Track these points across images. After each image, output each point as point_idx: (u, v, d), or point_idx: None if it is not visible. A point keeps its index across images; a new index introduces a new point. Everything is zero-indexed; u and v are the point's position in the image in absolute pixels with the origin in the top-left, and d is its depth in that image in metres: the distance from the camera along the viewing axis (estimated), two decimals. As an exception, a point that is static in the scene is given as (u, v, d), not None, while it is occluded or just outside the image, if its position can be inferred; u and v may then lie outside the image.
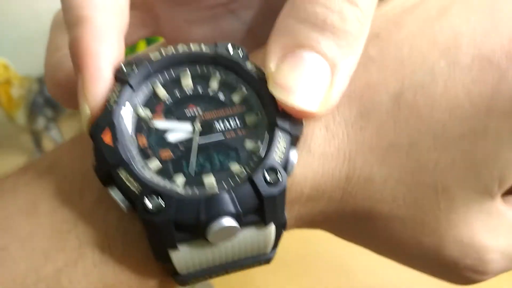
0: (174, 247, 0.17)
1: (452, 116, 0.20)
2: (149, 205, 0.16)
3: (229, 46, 0.20)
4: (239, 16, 0.27)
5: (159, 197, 0.17)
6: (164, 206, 0.17)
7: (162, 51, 0.20)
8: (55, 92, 0.23)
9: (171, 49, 0.20)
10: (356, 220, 0.22)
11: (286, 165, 0.18)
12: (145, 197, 0.17)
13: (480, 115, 0.20)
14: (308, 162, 0.20)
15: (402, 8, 0.22)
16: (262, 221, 0.18)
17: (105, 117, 0.18)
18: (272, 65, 0.18)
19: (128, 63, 0.19)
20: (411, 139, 0.20)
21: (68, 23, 0.19)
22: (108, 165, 0.17)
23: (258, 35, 0.27)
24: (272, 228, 0.18)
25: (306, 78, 0.18)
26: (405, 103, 0.20)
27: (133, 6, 0.23)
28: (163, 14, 0.26)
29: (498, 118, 0.20)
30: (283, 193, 0.18)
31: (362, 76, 0.21)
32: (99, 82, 0.18)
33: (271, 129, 0.19)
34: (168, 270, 0.19)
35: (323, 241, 0.44)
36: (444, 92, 0.20)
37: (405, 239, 0.22)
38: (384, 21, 0.22)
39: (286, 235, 0.21)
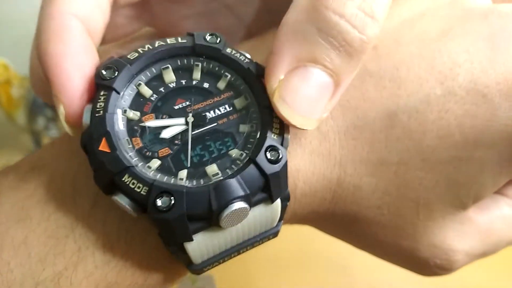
0: (190, 239, 0.18)
1: (441, 143, 0.21)
2: (160, 203, 0.17)
3: (207, 35, 0.20)
4: (235, 11, 0.27)
5: (168, 194, 0.17)
6: (174, 202, 0.17)
7: (139, 49, 0.20)
8: (37, 87, 0.23)
9: (147, 46, 0.20)
10: (343, 221, 0.23)
11: (282, 139, 0.19)
12: (154, 197, 0.17)
13: (468, 145, 0.21)
14: (299, 155, 0.21)
15: (400, 19, 0.22)
16: (268, 198, 0.18)
17: (98, 127, 0.18)
18: (281, 73, 0.18)
19: (107, 67, 0.19)
20: (401, 158, 0.21)
21: (37, 30, 0.19)
22: (111, 173, 0.17)
23: (254, 30, 0.28)
24: (278, 203, 0.19)
25: (311, 98, 0.18)
26: (399, 124, 0.21)
27: (129, 2, 0.23)
28: (158, 9, 0.26)
29: (484, 149, 0.21)
30: (285, 167, 0.18)
31: (358, 89, 0.21)
32: (67, 82, 0.18)
33: (263, 109, 0.19)
34: (183, 261, 0.19)
35: (322, 240, 0.44)
36: (436, 120, 0.21)
37: (385, 241, 0.24)
38: (382, 33, 0.22)
39: (285, 234, 0.21)
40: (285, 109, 0.18)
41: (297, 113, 0.18)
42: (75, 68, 0.19)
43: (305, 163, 0.21)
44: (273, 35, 0.21)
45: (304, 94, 0.18)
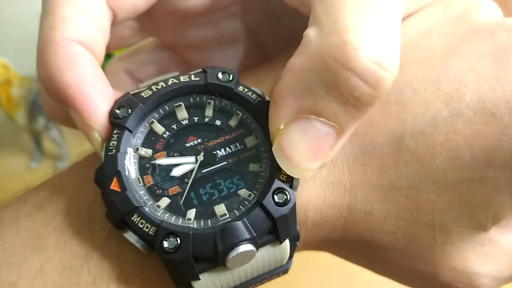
0: (197, 278, 0.18)
1: (452, 164, 0.20)
2: (166, 245, 0.17)
3: (219, 73, 0.20)
4: (240, 19, 0.26)
5: (174, 235, 0.17)
6: (180, 243, 0.17)
7: (153, 87, 0.20)
8: (51, 112, 0.23)
9: (161, 83, 0.20)
10: (357, 247, 0.23)
11: (291, 182, 0.18)
12: (161, 238, 0.17)
13: (480, 165, 0.20)
14: (309, 186, 0.20)
15: (406, 40, 0.22)
16: (277, 239, 0.18)
17: (110, 167, 0.18)
18: (281, 122, 0.18)
19: (121, 106, 0.19)
20: (411, 182, 0.21)
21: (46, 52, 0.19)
22: (120, 213, 0.17)
23: (259, 37, 0.27)
24: (286, 243, 0.19)
25: (311, 150, 0.17)
26: (406, 148, 0.20)
27: (129, 17, 0.22)
28: (164, 21, 0.26)
29: (496, 169, 0.20)
30: (293, 209, 0.18)
31: None
32: (96, 110, 0.18)
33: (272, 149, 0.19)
34: None
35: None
36: (445, 142, 0.20)
37: (403, 266, 0.23)
38: None
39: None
40: (283, 161, 0.18)
41: (295, 166, 0.17)
42: (99, 96, 0.19)
43: (315, 193, 0.20)
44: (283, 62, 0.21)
45: (303, 147, 0.17)
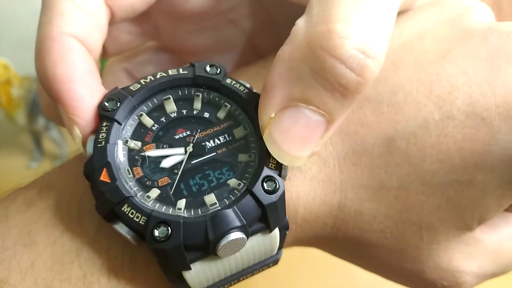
0: (188, 268, 0.18)
1: (441, 167, 0.21)
2: (157, 234, 0.17)
3: (207, 66, 0.20)
4: (239, 25, 0.27)
5: (165, 224, 0.17)
6: (171, 232, 0.17)
7: (142, 80, 0.20)
8: (47, 111, 0.23)
9: (149, 77, 0.20)
10: (346, 245, 0.23)
11: (280, 170, 0.19)
12: (152, 227, 0.17)
13: (469, 168, 0.21)
14: (300, 182, 0.21)
15: (399, 42, 0.22)
16: (267, 228, 0.18)
17: (99, 158, 0.18)
18: (272, 111, 0.18)
19: (110, 99, 0.19)
20: (401, 183, 0.21)
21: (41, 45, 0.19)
22: (111, 203, 0.17)
23: (258, 43, 0.27)
24: (276, 232, 0.19)
25: (301, 138, 0.18)
26: (397, 150, 0.21)
27: (132, 18, 0.23)
28: (162, 25, 0.26)
29: (484, 172, 0.21)
30: (282, 197, 0.18)
31: (356, 114, 0.21)
32: (81, 105, 0.19)
33: (261, 140, 0.19)
34: None
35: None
36: (436, 144, 0.20)
37: (390, 264, 0.23)
38: None
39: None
40: (274, 148, 0.18)
41: (286, 153, 0.18)
42: (86, 91, 0.19)
43: (305, 189, 0.21)
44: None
45: (294, 134, 0.18)
